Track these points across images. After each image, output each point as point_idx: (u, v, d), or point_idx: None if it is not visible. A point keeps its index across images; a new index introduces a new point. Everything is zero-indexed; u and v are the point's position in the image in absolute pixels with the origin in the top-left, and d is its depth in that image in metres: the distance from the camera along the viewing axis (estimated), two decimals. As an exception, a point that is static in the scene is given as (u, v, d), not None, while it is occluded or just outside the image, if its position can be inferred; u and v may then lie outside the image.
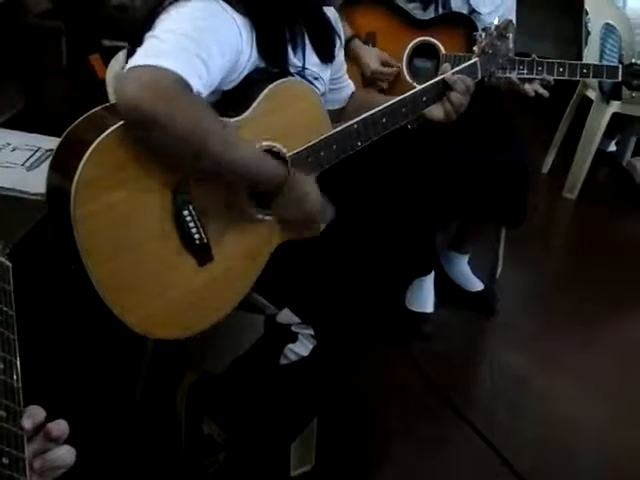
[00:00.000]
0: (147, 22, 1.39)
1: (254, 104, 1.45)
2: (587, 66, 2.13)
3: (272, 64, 1.51)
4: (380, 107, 1.61)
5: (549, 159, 3.60)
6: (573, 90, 3.44)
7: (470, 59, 1.80)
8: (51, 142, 1.80)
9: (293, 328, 1.61)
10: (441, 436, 2.07)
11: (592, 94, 3.33)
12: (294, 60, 1.58)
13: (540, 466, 1.97)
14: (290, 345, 1.61)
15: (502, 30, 1.82)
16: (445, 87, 1.69)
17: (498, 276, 2.74)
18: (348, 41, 2.17)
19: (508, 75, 1.99)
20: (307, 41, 1.62)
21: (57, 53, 2.76)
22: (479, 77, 1.78)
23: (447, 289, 2.58)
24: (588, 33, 3.32)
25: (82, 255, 1.26)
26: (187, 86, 1.28)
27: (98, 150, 1.25)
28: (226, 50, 1.39)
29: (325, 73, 1.69)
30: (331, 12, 1.71)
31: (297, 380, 1.63)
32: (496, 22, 1.84)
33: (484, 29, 1.83)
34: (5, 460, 0.67)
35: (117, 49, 1.81)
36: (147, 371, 2.00)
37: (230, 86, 1.46)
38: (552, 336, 2.49)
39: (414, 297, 2.43)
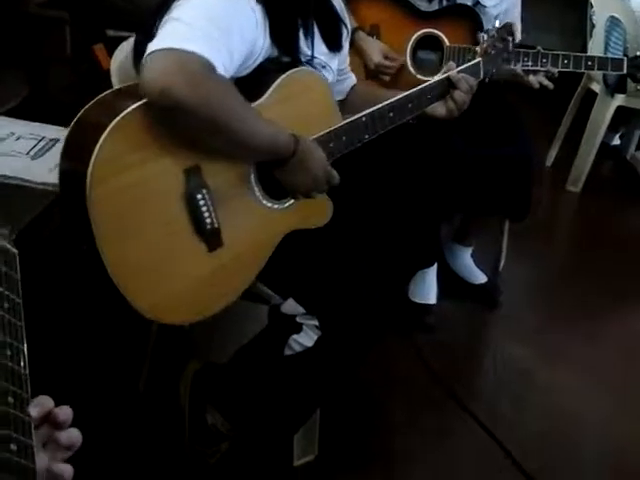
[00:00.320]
0: (162, 6, 1.38)
1: (268, 92, 1.46)
2: (592, 58, 2.12)
3: (284, 52, 1.52)
4: (388, 101, 1.63)
5: (553, 152, 3.60)
6: (577, 83, 3.43)
7: (474, 51, 1.85)
8: (55, 131, 1.80)
9: (298, 319, 1.60)
10: (444, 428, 2.07)
11: (596, 87, 3.32)
12: (304, 49, 1.58)
13: (543, 459, 1.97)
14: (294, 336, 1.60)
15: (503, 33, 1.86)
16: (449, 85, 1.72)
17: (501, 269, 2.74)
18: (352, 33, 2.16)
19: (513, 67, 2.00)
20: (316, 30, 1.62)
21: (61, 43, 2.76)
22: (481, 77, 1.81)
23: (450, 282, 2.58)
24: (593, 26, 3.32)
25: (96, 237, 1.25)
26: (213, 69, 1.29)
27: (115, 131, 1.25)
28: (245, 36, 1.40)
29: (333, 62, 1.70)
30: (337, 1, 1.71)
31: (301, 371, 1.63)
32: (497, 24, 1.89)
33: (486, 31, 1.88)
34: (13, 447, 0.67)
35: (121, 39, 1.81)
36: (151, 361, 2.01)
37: (244, 73, 1.46)
38: (555, 329, 2.49)
39: (417, 289, 2.44)
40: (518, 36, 2.01)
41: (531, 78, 2.06)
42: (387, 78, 2.25)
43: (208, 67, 1.28)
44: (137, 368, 2.01)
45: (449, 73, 1.72)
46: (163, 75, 1.24)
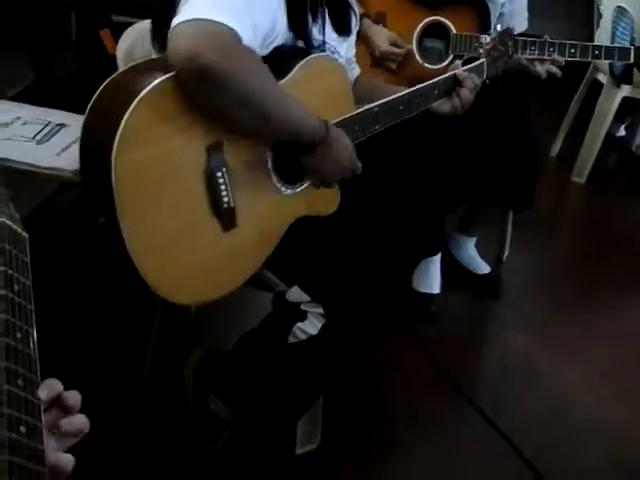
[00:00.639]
0: None
1: (291, 73, 1.46)
2: (599, 47, 2.12)
3: (298, 35, 1.51)
4: (399, 94, 1.64)
5: (558, 143, 3.58)
6: (583, 74, 3.42)
7: (479, 39, 1.91)
8: (61, 116, 1.80)
9: (302, 306, 1.60)
10: (446, 417, 2.07)
11: (602, 78, 3.31)
12: (315, 33, 1.57)
13: (545, 448, 1.98)
14: (299, 324, 1.61)
15: (504, 37, 1.90)
16: (455, 83, 1.74)
17: (505, 259, 2.74)
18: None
19: (520, 56, 2.00)
20: (326, 15, 1.61)
21: (67, 27, 2.75)
22: (484, 77, 1.84)
23: (454, 271, 2.58)
24: (600, 16, 3.30)
25: (117, 208, 1.23)
26: (240, 41, 1.27)
27: (143, 102, 1.23)
28: (267, 13, 1.40)
29: (342, 47, 1.69)
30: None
31: (305, 359, 1.64)
32: (499, 28, 1.92)
33: (487, 33, 1.94)
34: (23, 429, 0.67)
35: (127, 24, 1.80)
36: (155, 347, 2.01)
37: (263, 54, 1.43)
38: (558, 319, 2.48)
39: (420, 278, 2.44)
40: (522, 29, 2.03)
41: (538, 68, 2.06)
42: (393, 65, 2.24)
43: (239, 40, 1.26)
44: (141, 354, 2.01)
45: (456, 71, 1.75)
46: (193, 42, 1.21)
